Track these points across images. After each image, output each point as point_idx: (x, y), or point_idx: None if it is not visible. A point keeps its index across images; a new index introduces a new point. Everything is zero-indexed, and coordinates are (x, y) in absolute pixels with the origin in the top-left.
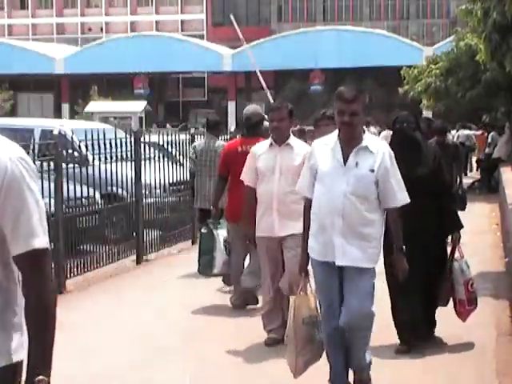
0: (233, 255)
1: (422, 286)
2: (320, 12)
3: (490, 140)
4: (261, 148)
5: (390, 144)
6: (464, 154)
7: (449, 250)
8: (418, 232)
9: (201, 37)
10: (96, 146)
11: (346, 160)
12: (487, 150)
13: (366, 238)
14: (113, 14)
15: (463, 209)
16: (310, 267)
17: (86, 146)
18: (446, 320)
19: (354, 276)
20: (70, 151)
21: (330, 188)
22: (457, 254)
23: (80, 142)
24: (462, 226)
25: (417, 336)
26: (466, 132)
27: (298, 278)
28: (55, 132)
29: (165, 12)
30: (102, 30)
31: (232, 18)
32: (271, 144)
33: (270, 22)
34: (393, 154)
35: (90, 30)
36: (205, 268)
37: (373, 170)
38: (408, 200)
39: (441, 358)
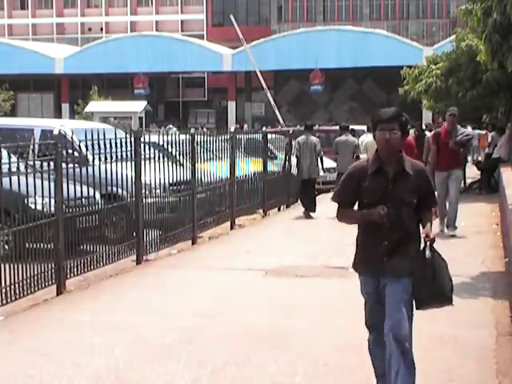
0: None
1: None
2: (320, 12)
3: (489, 140)
4: None
5: None
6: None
7: None
8: None
9: (201, 37)
10: (96, 146)
11: None
12: (487, 150)
13: None
14: (113, 13)
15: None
16: None
17: (86, 146)
18: (445, 320)
19: None
20: (70, 151)
21: None
22: None
23: (80, 142)
24: None
25: None
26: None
27: None
28: (55, 132)
29: (165, 12)
30: (102, 29)
31: (232, 18)
32: None
33: (270, 22)
34: None
35: (89, 30)
36: None
37: None
38: None
39: (441, 358)
